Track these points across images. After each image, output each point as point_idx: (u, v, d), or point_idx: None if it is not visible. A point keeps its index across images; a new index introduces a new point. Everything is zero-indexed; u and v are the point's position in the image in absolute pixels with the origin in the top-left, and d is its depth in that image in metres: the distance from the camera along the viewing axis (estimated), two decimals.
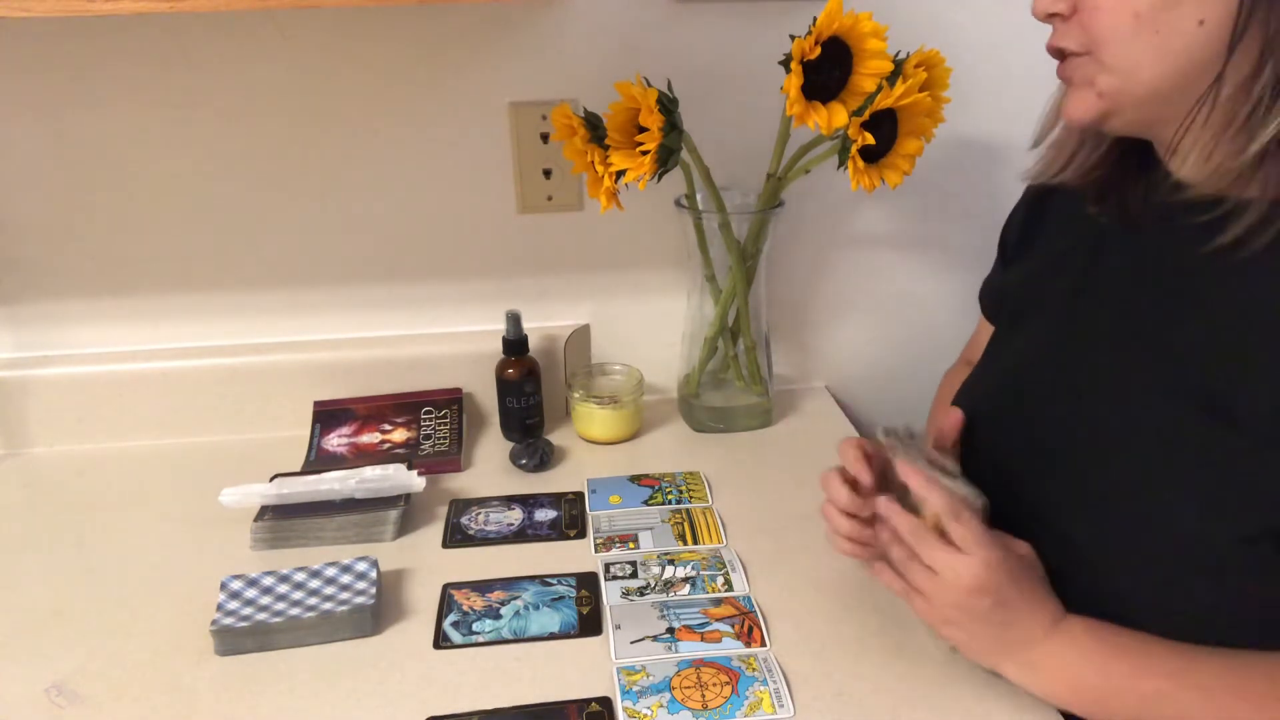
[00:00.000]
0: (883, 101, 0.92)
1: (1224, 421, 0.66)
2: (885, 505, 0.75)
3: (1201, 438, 0.67)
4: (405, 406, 1.17)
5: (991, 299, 1.00)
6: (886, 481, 0.79)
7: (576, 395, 1.15)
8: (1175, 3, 0.64)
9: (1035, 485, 0.78)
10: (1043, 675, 0.72)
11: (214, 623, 0.83)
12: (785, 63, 0.93)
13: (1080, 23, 0.69)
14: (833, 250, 1.22)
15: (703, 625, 0.85)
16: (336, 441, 1.14)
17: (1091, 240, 0.81)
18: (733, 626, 0.85)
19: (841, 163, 0.97)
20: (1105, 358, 0.76)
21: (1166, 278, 0.73)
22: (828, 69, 0.93)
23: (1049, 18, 0.72)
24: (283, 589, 0.88)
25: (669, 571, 0.92)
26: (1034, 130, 0.82)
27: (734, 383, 1.18)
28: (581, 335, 1.22)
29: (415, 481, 1.01)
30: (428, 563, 0.95)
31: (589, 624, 0.86)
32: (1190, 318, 0.71)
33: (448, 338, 1.20)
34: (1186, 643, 0.68)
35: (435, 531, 1.00)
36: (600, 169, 0.98)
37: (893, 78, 0.93)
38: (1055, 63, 0.74)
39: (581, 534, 0.99)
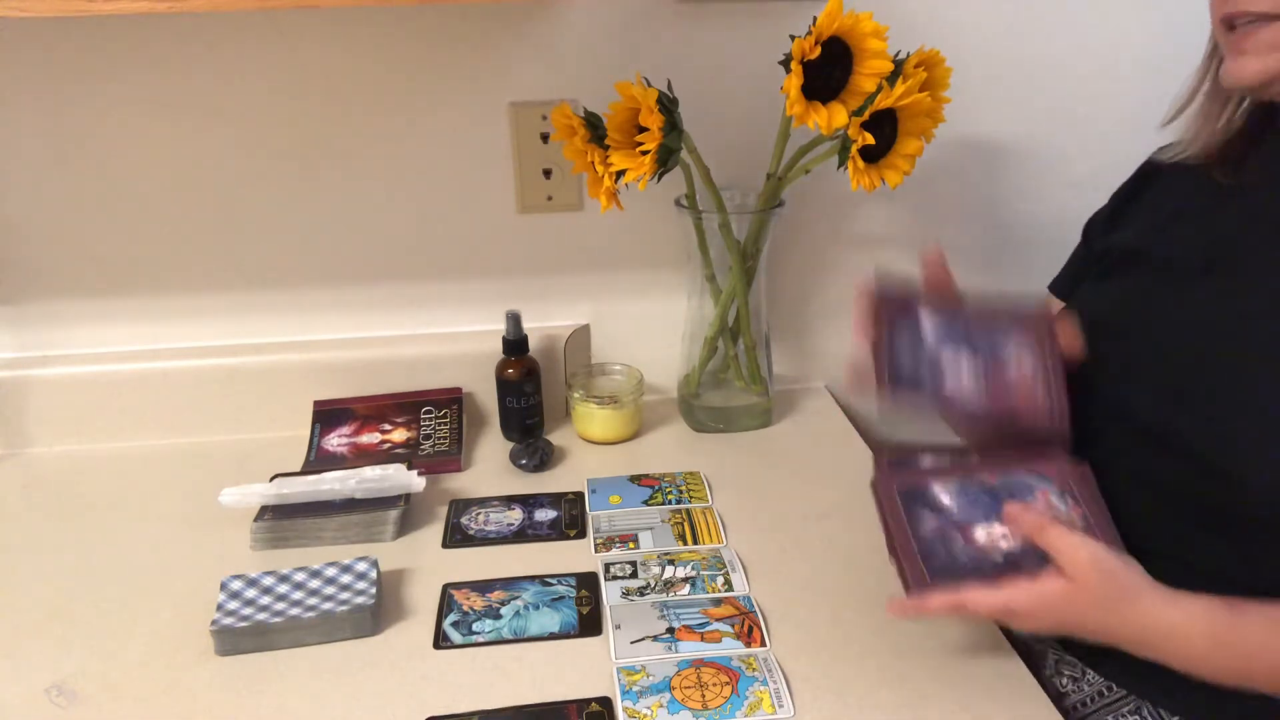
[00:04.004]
0: (883, 101, 0.92)
1: None
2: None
3: None
4: (405, 406, 1.17)
5: (1072, 272, 0.98)
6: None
7: (576, 395, 1.15)
8: None
9: (1164, 411, 0.78)
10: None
11: (214, 623, 0.83)
12: (785, 63, 0.93)
13: None
14: (833, 250, 1.22)
15: (703, 625, 0.85)
16: (336, 441, 1.14)
17: (1198, 206, 0.82)
18: (733, 626, 0.85)
19: (841, 163, 0.97)
20: (1217, 301, 0.77)
21: None
22: (828, 69, 0.93)
23: None
24: (283, 589, 0.88)
25: (669, 571, 0.92)
26: (1169, 108, 0.83)
27: (734, 383, 1.18)
28: (581, 335, 1.22)
29: (415, 481, 1.01)
30: (428, 563, 0.95)
31: (589, 624, 0.86)
32: None
33: (448, 338, 1.20)
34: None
35: (435, 531, 1.00)
36: (600, 169, 0.98)
37: (893, 78, 0.93)
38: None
39: (581, 534, 0.99)
